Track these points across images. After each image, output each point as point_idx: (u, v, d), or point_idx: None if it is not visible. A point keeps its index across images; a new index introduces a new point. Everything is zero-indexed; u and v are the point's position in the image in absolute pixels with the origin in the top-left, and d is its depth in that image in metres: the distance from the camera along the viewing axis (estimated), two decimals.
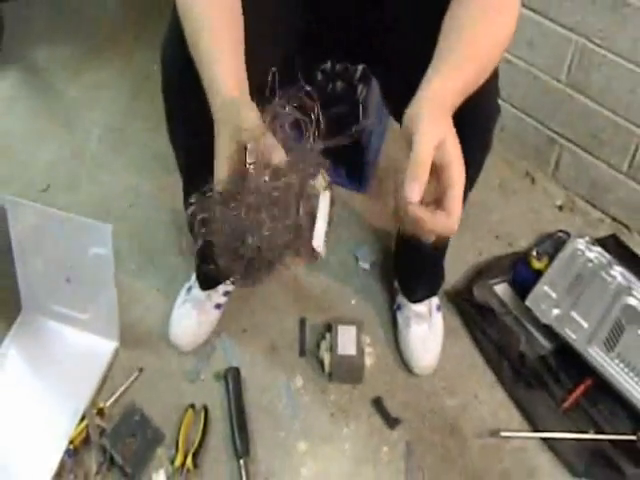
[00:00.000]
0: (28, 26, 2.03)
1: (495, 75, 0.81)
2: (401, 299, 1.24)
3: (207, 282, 1.21)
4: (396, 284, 1.27)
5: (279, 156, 0.60)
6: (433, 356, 1.19)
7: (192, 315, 1.21)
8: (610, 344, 1.17)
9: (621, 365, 1.14)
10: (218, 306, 1.24)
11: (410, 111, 0.62)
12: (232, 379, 1.16)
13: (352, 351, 1.16)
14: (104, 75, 1.82)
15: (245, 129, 0.61)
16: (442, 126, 0.60)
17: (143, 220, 1.44)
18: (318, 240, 0.68)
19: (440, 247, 1.12)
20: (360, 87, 1.42)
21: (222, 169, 0.64)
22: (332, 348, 1.16)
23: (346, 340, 1.17)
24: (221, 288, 1.23)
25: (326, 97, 1.54)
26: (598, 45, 1.28)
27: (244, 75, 0.70)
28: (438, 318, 1.23)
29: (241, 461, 1.06)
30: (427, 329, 1.20)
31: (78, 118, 1.72)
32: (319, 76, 1.44)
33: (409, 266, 1.22)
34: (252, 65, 0.74)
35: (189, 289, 1.24)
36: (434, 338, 1.21)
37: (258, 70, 0.71)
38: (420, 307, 1.21)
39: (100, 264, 1.13)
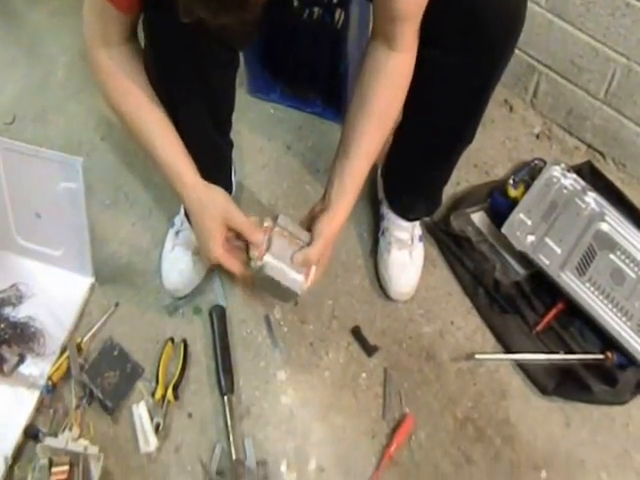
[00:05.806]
0: None
1: None
2: (387, 224, 1.23)
3: None
4: (384, 209, 1.25)
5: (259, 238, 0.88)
6: (411, 283, 1.21)
7: (187, 257, 1.18)
8: (582, 269, 1.19)
9: (592, 289, 1.16)
10: None
11: (321, 225, 0.90)
12: (217, 317, 1.15)
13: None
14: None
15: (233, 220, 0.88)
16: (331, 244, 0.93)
17: (116, 153, 1.40)
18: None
19: (446, 171, 1.13)
20: (338, 12, 1.36)
21: (219, 249, 0.88)
22: None
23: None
24: None
25: (303, 23, 1.48)
26: None
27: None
28: (419, 247, 1.24)
29: (225, 397, 1.07)
30: (408, 256, 1.20)
31: (43, 45, 1.63)
32: (295, 2, 1.37)
33: (408, 184, 1.18)
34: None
35: (177, 233, 1.21)
36: (413, 266, 1.21)
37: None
38: (403, 234, 1.21)
39: (71, 199, 1.10)
